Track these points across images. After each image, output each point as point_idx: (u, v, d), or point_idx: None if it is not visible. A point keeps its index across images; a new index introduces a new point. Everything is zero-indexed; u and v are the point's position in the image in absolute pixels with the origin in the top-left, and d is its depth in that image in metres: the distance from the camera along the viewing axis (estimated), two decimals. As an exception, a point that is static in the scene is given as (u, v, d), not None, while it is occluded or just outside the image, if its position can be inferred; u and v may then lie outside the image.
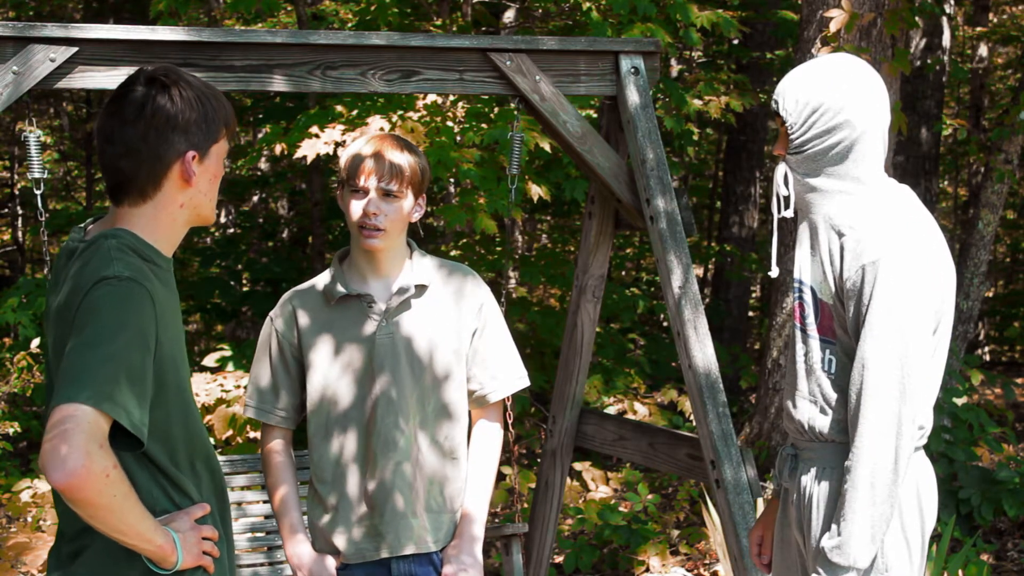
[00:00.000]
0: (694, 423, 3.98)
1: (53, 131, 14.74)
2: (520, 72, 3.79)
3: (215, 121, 2.13)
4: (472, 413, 2.87)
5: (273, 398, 2.81)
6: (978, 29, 11.48)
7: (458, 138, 6.23)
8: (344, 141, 5.96)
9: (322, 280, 2.83)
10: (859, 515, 2.36)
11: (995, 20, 13.73)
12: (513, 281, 9.65)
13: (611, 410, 6.88)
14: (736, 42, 9.92)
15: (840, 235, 2.43)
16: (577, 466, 7.06)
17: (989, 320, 14.84)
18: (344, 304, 2.78)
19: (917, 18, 5.32)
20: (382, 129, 5.92)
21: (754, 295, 14.37)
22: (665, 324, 11.67)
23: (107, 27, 3.53)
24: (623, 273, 12.35)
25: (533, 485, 5.19)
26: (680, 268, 3.75)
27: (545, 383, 7.39)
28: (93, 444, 1.85)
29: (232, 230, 11.26)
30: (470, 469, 2.85)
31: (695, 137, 9.19)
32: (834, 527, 2.39)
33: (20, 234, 14.27)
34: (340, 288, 2.76)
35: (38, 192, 3.53)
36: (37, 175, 3.53)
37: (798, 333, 2.55)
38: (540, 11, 8.66)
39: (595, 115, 7.47)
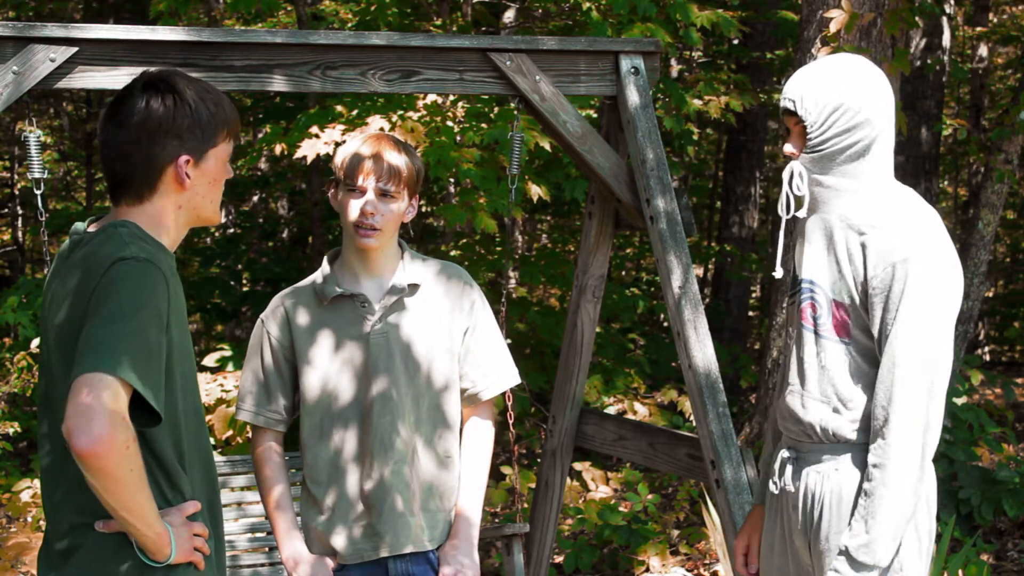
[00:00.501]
0: (694, 423, 3.98)
1: (53, 131, 14.74)
2: (520, 72, 3.79)
3: (212, 126, 2.15)
4: (463, 411, 2.88)
5: (265, 400, 2.81)
6: (978, 29, 11.48)
7: (458, 138, 6.23)
8: (344, 141, 5.95)
9: (314, 281, 2.83)
10: (887, 514, 2.36)
11: (995, 20, 13.73)
12: (513, 281, 9.65)
13: (611, 410, 6.88)
14: (736, 42, 9.92)
15: (860, 233, 2.43)
16: (577, 466, 7.06)
17: (989, 320, 14.84)
18: (337, 304, 2.77)
19: (917, 18, 5.32)
20: (382, 129, 5.92)
21: (754, 295, 14.37)
22: (665, 324, 11.67)
23: (107, 27, 3.53)
24: (623, 273, 12.35)
25: (533, 485, 5.19)
26: (680, 268, 3.75)
27: (545, 383, 7.39)
28: (117, 414, 1.89)
29: (232, 230, 11.26)
30: (463, 467, 2.86)
31: (695, 137, 9.19)
32: (857, 525, 2.39)
33: (20, 234, 14.27)
34: (334, 288, 2.76)
35: (38, 192, 3.53)
36: (37, 175, 3.53)
37: (807, 334, 2.53)
38: (540, 11, 8.66)
39: (595, 115, 7.47)
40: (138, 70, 3.50)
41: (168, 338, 2.04)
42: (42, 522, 5.67)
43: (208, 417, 5.94)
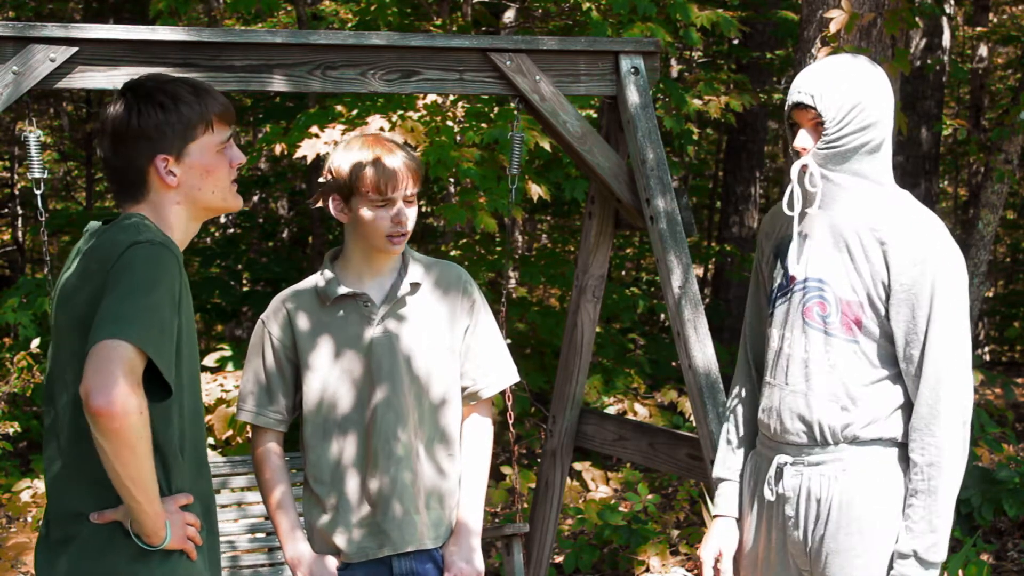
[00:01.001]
0: (694, 423, 3.98)
1: (53, 131, 14.73)
2: (520, 72, 3.79)
3: (182, 122, 2.20)
4: (463, 409, 2.88)
5: (267, 401, 2.81)
6: (978, 29, 11.48)
7: (458, 138, 6.23)
8: (339, 142, 5.94)
9: (315, 281, 2.82)
10: (947, 509, 2.42)
11: (995, 20, 13.72)
12: (513, 281, 9.65)
13: (611, 410, 6.88)
14: (736, 42, 9.91)
15: (876, 231, 2.45)
16: (577, 466, 7.06)
17: (989, 320, 14.83)
18: (340, 304, 2.77)
19: (917, 18, 5.32)
20: (382, 129, 5.92)
21: (754, 295, 14.33)
22: (665, 324, 11.67)
23: (107, 27, 3.53)
24: (623, 273, 12.35)
25: (533, 485, 5.19)
26: (680, 268, 3.75)
27: (545, 383, 7.39)
28: (133, 379, 1.94)
29: (232, 230, 11.25)
30: (464, 465, 2.86)
31: (695, 137, 9.19)
32: (918, 527, 2.42)
33: (20, 234, 14.26)
34: (337, 288, 2.76)
35: (38, 192, 3.53)
36: (37, 175, 3.53)
37: (815, 333, 2.52)
38: (540, 11, 8.66)
39: (595, 115, 7.46)
40: (138, 70, 3.50)
41: (179, 321, 2.09)
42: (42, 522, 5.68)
43: (208, 417, 5.94)
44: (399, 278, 2.80)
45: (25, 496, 5.85)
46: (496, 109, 6.48)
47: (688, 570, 5.85)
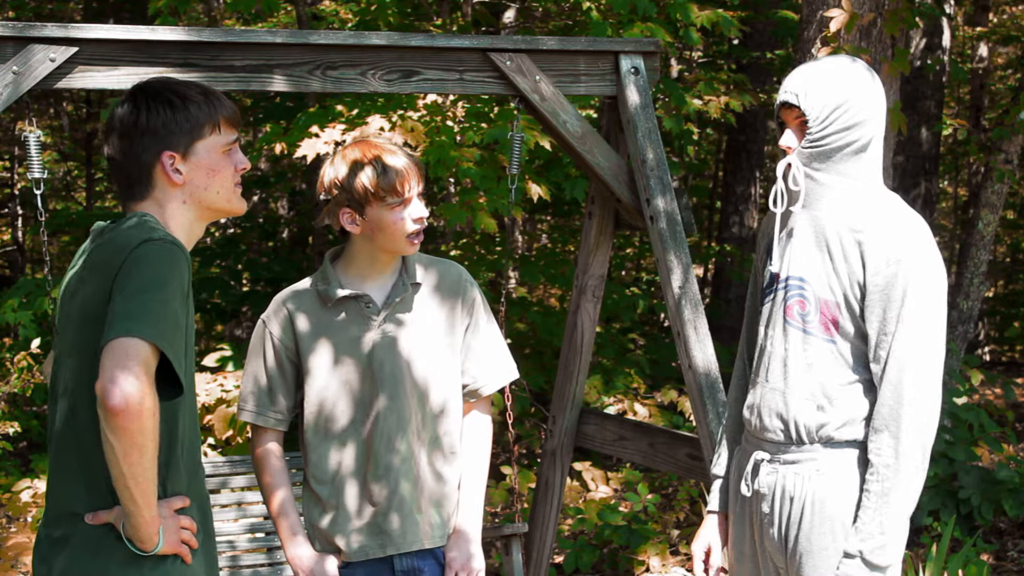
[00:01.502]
0: (694, 423, 3.98)
1: (53, 131, 14.73)
2: (520, 72, 3.79)
3: (191, 119, 2.22)
4: (464, 407, 2.89)
5: (268, 401, 2.81)
6: (978, 29, 11.48)
7: (458, 137, 6.23)
8: (344, 141, 5.95)
9: (316, 281, 2.82)
10: (900, 512, 2.38)
11: (995, 20, 13.72)
12: (513, 281, 9.65)
13: (611, 410, 6.88)
14: (736, 42, 9.91)
15: (856, 232, 2.44)
16: (577, 466, 7.06)
17: (989, 320, 14.84)
18: (341, 305, 2.77)
19: (917, 18, 5.32)
20: (382, 129, 5.92)
21: (754, 295, 14.33)
22: (665, 324, 11.67)
23: (107, 27, 3.53)
24: (623, 273, 12.34)
25: (533, 485, 5.19)
26: (680, 268, 3.75)
27: (545, 383, 7.39)
28: (148, 378, 1.95)
29: (232, 230, 11.25)
30: (465, 464, 2.86)
31: (695, 137, 9.19)
32: (867, 528, 2.39)
33: (20, 234, 14.26)
34: (339, 290, 2.76)
35: (38, 192, 3.53)
36: (37, 175, 3.54)
37: (794, 331, 2.53)
38: (540, 11, 8.66)
39: (595, 115, 7.46)
40: (138, 70, 3.51)
41: (186, 319, 2.10)
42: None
43: (208, 417, 5.94)
44: (400, 279, 2.80)
45: (25, 496, 5.84)
46: (496, 109, 6.48)
47: (688, 570, 5.85)
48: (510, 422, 3.92)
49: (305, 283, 2.85)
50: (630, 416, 6.76)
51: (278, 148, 6.44)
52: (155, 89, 2.24)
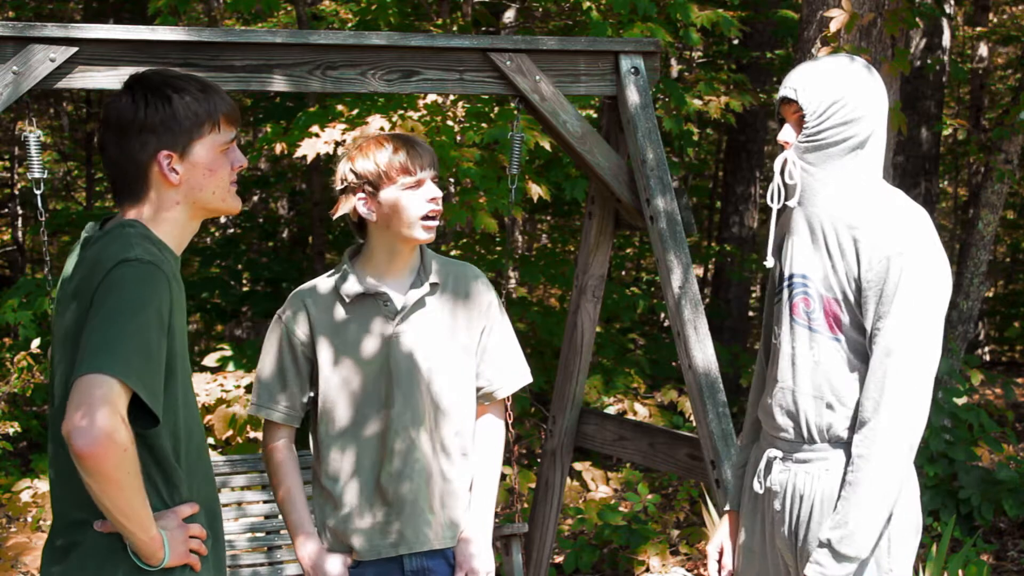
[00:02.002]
0: (694, 423, 3.98)
1: (53, 131, 14.73)
2: (520, 72, 3.79)
3: (189, 118, 2.16)
4: (477, 409, 2.89)
5: (281, 396, 2.81)
6: (978, 29, 11.48)
7: (458, 137, 6.24)
8: (344, 140, 5.95)
9: (335, 278, 2.81)
10: (870, 505, 2.36)
11: (995, 20, 13.72)
12: (513, 281, 9.65)
13: (611, 410, 6.88)
14: (736, 42, 9.91)
15: (852, 228, 2.44)
16: (577, 466, 7.06)
17: (989, 320, 14.84)
18: (359, 303, 2.77)
19: (917, 18, 5.32)
20: (382, 129, 5.92)
21: (754, 295, 14.36)
22: (665, 324, 11.67)
23: (107, 27, 3.53)
24: (623, 273, 12.35)
25: (533, 485, 5.19)
26: (680, 268, 3.75)
27: (545, 383, 7.39)
28: (117, 416, 1.90)
29: (232, 230, 11.25)
30: (477, 466, 2.86)
31: (695, 137, 9.19)
32: (837, 517, 2.39)
33: (20, 234, 14.26)
34: (357, 287, 2.76)
35: (38, 192, 3.53)
36: (37, 175, 3.53)
37: (801, 329, 2.53)
38: (540, 11, 8.66)
39: (595, 115, 7.46)
40: (138, 70, 3.50)
41: (169, 340, 2.05)
42: (42, 522, 5.68)
43: (208, 417, 5.94)
44: (418, 278, 2.80)
45: (25, 496, 5.84)
46: (496, 109, 6.48)
47: (688, 570, 5.85)
48: (509, 422, 3.92)
49: (323, 279, 2.85)
50: (630, 416, 6.76)
51: (278, 148, 6.44)
52: (154, 83, 2.17)
